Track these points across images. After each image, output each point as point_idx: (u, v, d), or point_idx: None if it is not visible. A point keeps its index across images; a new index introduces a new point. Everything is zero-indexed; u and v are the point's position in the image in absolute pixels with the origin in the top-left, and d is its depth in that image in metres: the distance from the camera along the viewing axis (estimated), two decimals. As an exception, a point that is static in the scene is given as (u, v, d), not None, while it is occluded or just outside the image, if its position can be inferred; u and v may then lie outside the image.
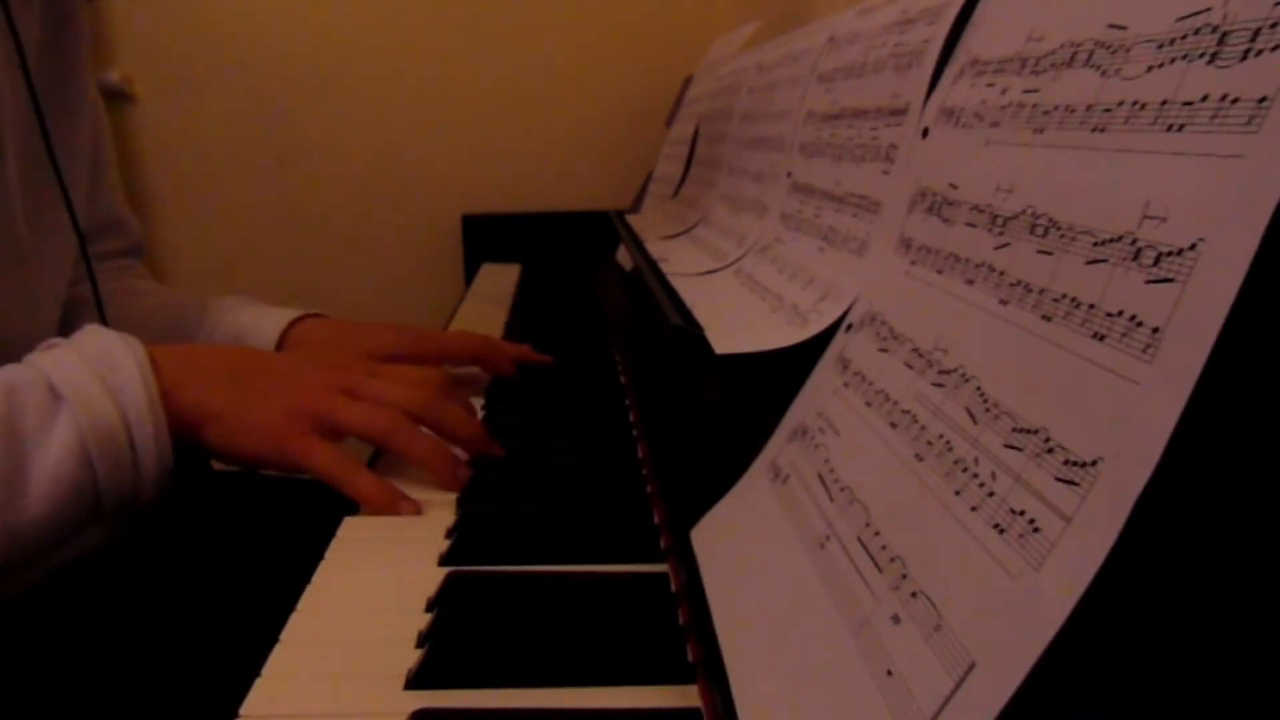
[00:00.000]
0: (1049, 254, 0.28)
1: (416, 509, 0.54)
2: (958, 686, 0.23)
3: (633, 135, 1.60)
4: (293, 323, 0.78)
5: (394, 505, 0.54)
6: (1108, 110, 0.27)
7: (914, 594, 0.26)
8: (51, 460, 0.48)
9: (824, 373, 0.42)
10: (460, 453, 0.59)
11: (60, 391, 0.49)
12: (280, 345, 0.76)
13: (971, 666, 0.23)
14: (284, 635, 0.41)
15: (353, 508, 0.55)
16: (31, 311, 0.70)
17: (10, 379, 0.50)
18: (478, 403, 0.74)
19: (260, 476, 0.76)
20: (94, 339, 0.53)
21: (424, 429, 0.57)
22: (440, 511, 0.54)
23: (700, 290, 0.65)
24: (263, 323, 0.78)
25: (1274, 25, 0.21)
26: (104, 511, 0.51)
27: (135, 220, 0.92)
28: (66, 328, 0.77)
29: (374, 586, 0.46)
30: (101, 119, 0.85)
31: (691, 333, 0.55)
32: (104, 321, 0.71)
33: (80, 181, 0.76)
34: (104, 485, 0.50)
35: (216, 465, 0.62)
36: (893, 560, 0.28)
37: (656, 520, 0.52)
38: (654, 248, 0.86)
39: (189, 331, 0.80)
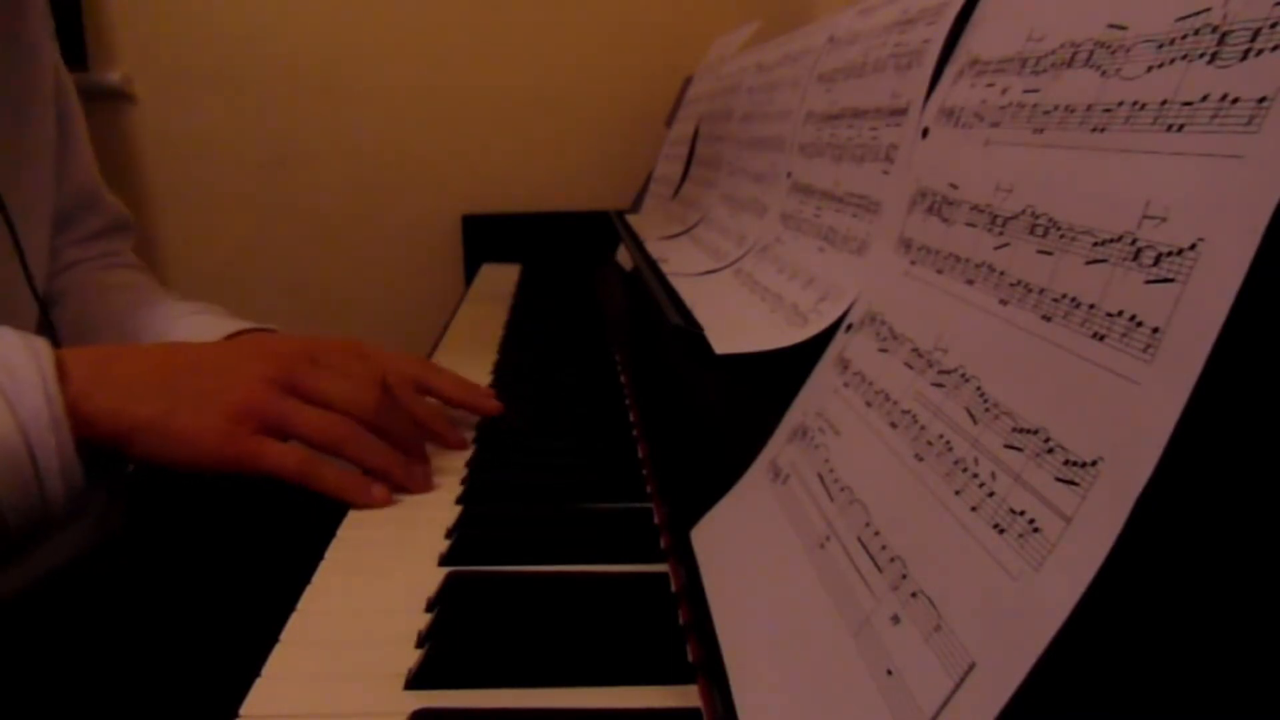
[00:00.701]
0: (1049, 254, 0.28)
1: (386, 497, 0.53)
2: (958, 686, 0.23)
3: (633, 135, 1.60)
4: (229, 338, 0.71)
5: (365, 492, 0.52)
6: (1108, 110, 0.27)
7: (914, 594, 0.26)
8: None
9: (824, 373, 0.42)
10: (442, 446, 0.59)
11: None
12: None
13: (971, 666, 0.23)
14: (284, 635, 0.41)
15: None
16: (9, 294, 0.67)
17: None
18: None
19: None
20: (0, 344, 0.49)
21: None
22: (440, 511, 0.54)
23: (700, 290, 0.65)
24: (189, 335, 0.72)
25: (1274, 25, 0.21)
26: (8, 530, 0.47)
27: (115, 196, 0.87)
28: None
29: (374, 586, 0.46)
30: (68, 90, 0.78)
31: (691, 333, 0.55)
32: (47, 325, 0.68)
33: (41, 169, 0.72)
34: (5, 504, 0.46)
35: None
36: (893, 560, 0.28)
37: (656, 520, 0.52)
38: (654, 248, 0.86)
39: (129, 339, 0.75)
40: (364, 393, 0.55)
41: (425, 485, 0.56)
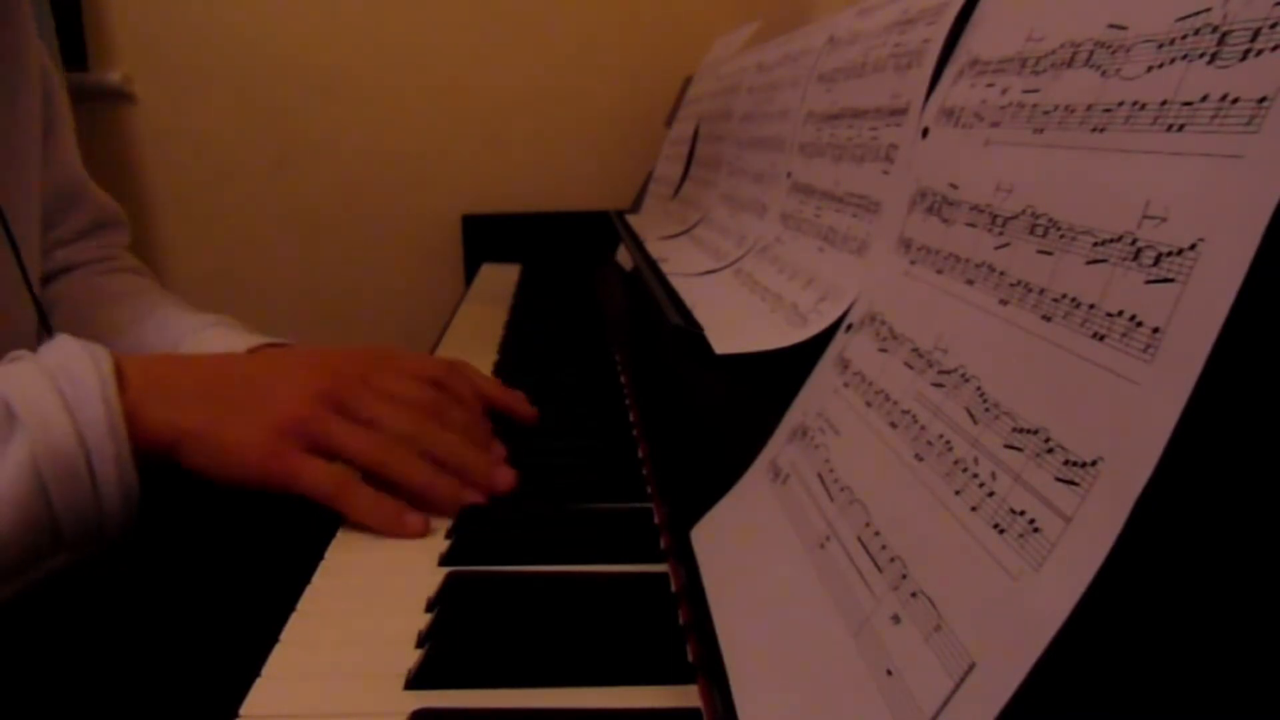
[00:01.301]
0: (1049, 254, 0.28)
1: (423, 527, 0.51)
2: (958, 686, 0.23)
3: (633, 135, 1.60)
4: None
5: (398, 523, 0.51)
6: (1108, 110, 0.27)
7: (914, 594, 0.26)
8: (2, 483, 0.45)
9: (824, 373, 0.42)
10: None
11: (15, 410, 0.46)
12: None
13: (971, 666, 0.23)
14: (284, 635, 0.41)
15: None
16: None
17: None
18: (478, 403, 0.74)
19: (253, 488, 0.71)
20: (59, 351, 0.49)
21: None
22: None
23: (700, 290, 0.65)
24: (207, 350, 0.72)
25: (1274, 25, 0.21)
26: (64, 539, 0.48)
27: (105, 193, 0.85)
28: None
29: (374, 586, 0.46)
30: (54, 84, 0.77)
31: (691, 333, 0.55)
32: (47, 331, 0.67)
33: (29, 169, 0.70)
34: (60, 510, 0.46)
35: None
36: (893, 560, 0.28)
37: (656, 520, 0.52)
38: (654, 248, 0.86)
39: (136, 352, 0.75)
40: (412, 416, 0.54)
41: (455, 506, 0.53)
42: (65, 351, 0.49)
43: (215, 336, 0.72)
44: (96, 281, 0.81)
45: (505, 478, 0.55)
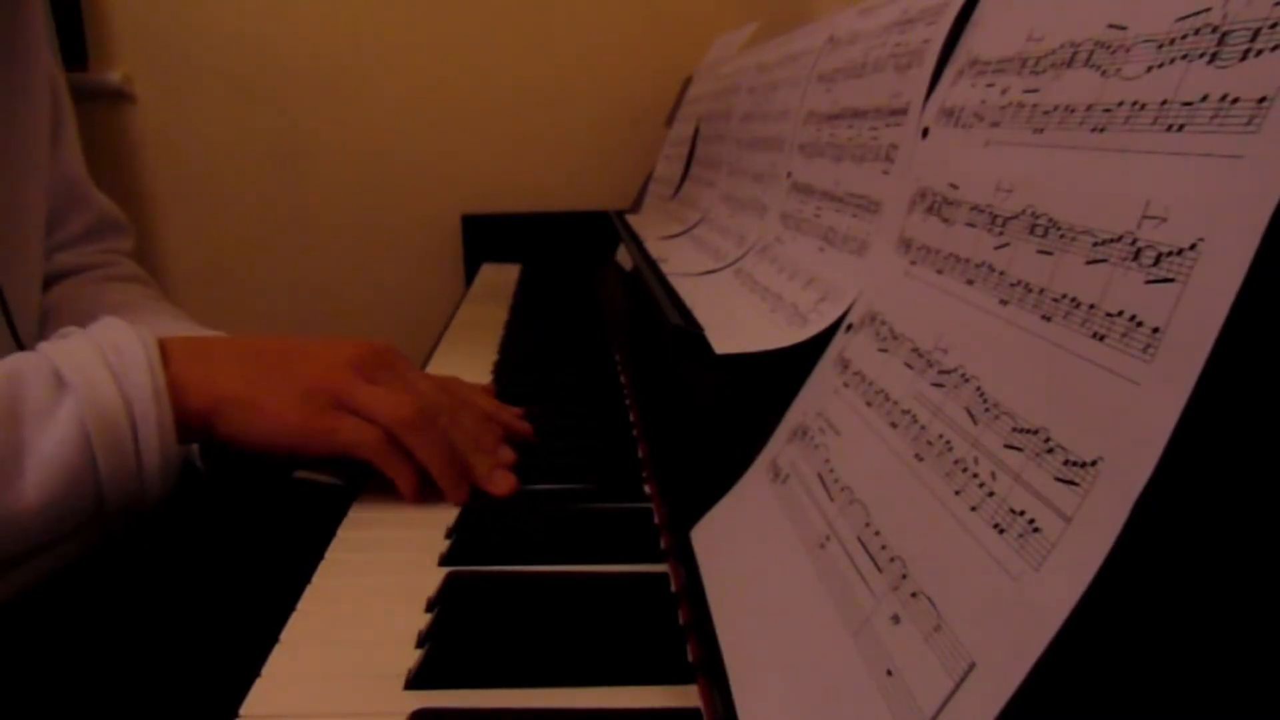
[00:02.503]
0: (1049, 254, 0.28)
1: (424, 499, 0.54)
2: (958, 686, 0.23)
3: (633, 135, 1.60)
4: None
5: (416, 494, 0.54)
6: (1108, 110, 0.27)
7: (914, 594, 0.26)
8: (50, 446, 0.46)
9: (824, 373, 0.42)
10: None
11: (65, 377, 0.48)
12: None
13: (971, 666, 0.23)
14: (284, 635, 0.41)
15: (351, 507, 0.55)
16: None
17: (16, 365, 0.48)
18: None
19: (259, 477, 0.74)
20: (106, 328, 0.52)
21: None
22: (440, 512, 0.54)
23: (700, 290, 0.65)
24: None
25: (1274, 25, 0.21)
26: (106, 506, 0.49)
27: (107, 198, 0.86)
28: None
29: (374, 586, 0.46)
30: (59, 88, 0.79)
31: (691, 333, 0.55)
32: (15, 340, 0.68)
33: (36, 177, 0.71)
34: (104, 474, 0.48)
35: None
36: (893, 560, 0.28)
37: (656, 520, 0.52)
38: (654, 248, 0.86)
39: None
40: (434, 394, 0.57)
41: (463, 501, 0.55)
42: (111, 327, 0.52)
43: None
44: (95, 289, 0.81)
45: (507, 481, 0.57)
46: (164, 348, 0.52)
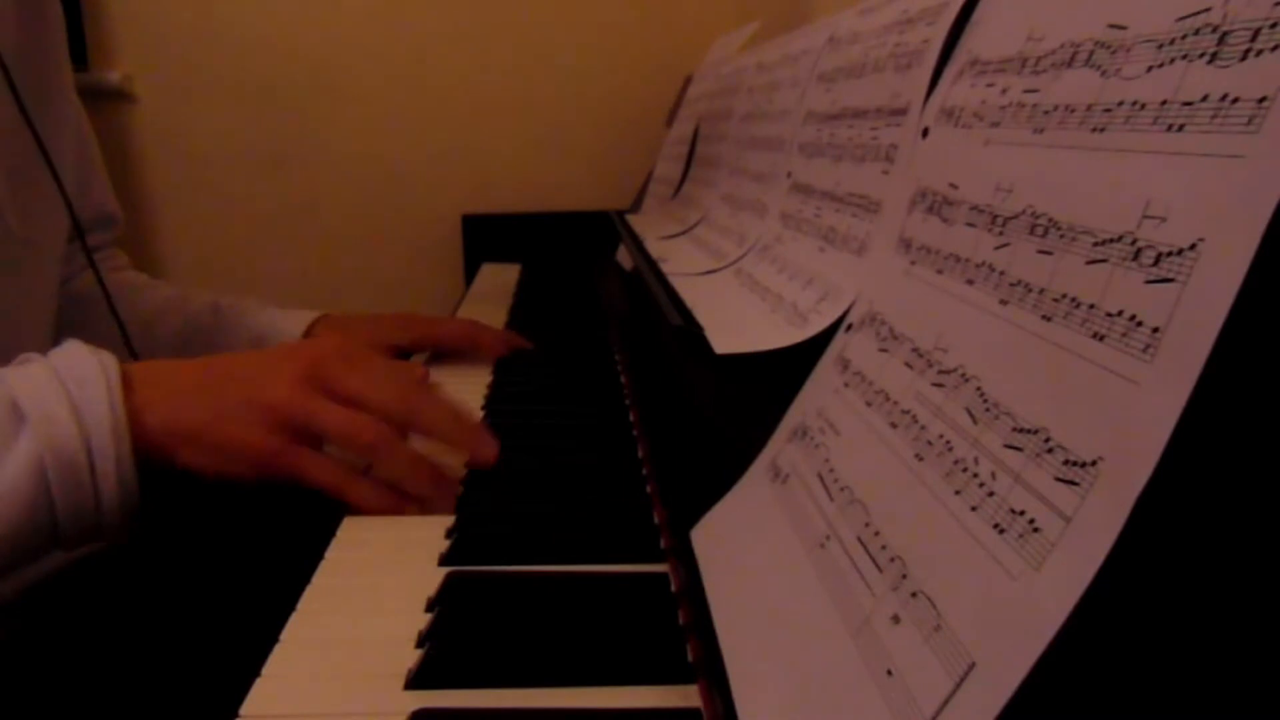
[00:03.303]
0: (1049, 254, 0.28)
1: (419, 508, 0.53)
2: (958, 686, 0.23)
3: (633, 135, 1.60)
4: (313, 323, 0.82)
5: (399, 508, 0.53)
6: (1108, 110, 0.27)
7: (914, 594, 0.26)
8: (6, 478, 0.46)
9: (824, 373, 0.42)
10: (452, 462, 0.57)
11: (23, 410, 0.47)
12: None
13: (971, 666, 0.23)
14: (284, 635, 0.41)
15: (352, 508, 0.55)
16: (27, 306, 0.71)
17: None
18: (477, 403, 0.74)
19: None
20: (68, 356, 0.51)
21: (408, 444, 0.55)
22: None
23: (700, 290, 0.65)
24: (285, 324, 0.82)
25: (1274, 25, 0.21)
26: (62, 537, 0.49)
27: (116, 202, 0.93)
28: (74, 322, 0.80)
29: (374, 586, 0.46)
30: (83, 114, 0.85)
31: (692, 333, 0.55)
32: (114, 315, 0.73)
33: (66, 166, 0.76)
34: (60, 508, 0.47)
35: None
36: (893, 560, 0.28)
37: (656, 520, 0.52)
38: (654, 248, 0.86)
39: (206, 337, 0.83)
40: (397, 389, 0.55)
41: (448, 507, 0.54)
42: (74, 355, 0.50)
43: (283, 314, 0.83)
44: (115, 278, 0.87)
45: (491, 448, 0.57)
46: (126, 376, 0.51)
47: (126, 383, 0.50)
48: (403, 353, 0.86)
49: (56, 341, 0.75)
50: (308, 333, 0.83)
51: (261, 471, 0.52)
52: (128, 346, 0.77)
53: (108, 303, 0.74)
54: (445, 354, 0.88)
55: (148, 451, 0.50)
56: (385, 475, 0.54)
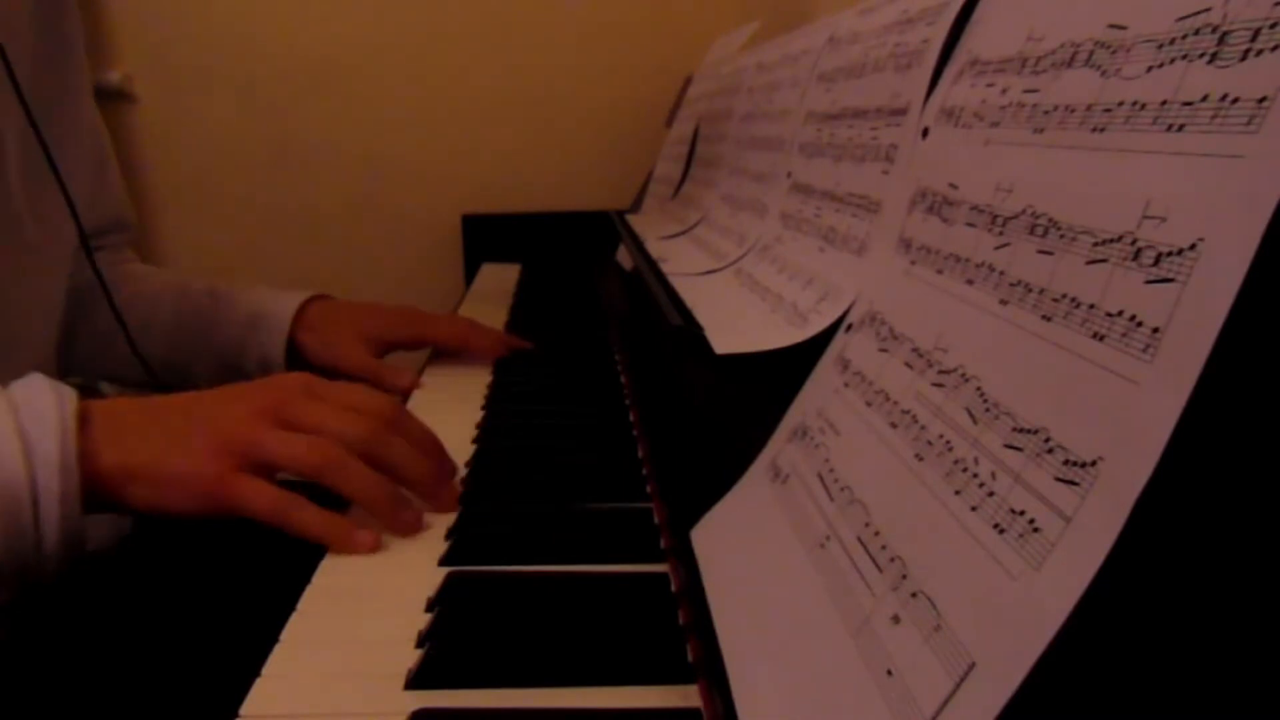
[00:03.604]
0: (1049, 254, 0.28)
1: (374, 542, 0.49)
2: (958, 686, 0.23)
3: (633, 135, 1.60)
4: (304, 304, 0.83)
5: (347, 539, 0.49)
6: (1108, 110, 0.27)
7: (914, 594, 0.26)
8: None
9: (824, 373, 0.42)
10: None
11: None
12: (295, 326, 0.81)
13: (971, 666, 0.23)
14: (284, 635, 0.41)
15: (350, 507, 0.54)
16: (36, 308, 0.72)
17: None
18: (477, 402, 0.74)
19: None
20: (28, 388, 0.49)
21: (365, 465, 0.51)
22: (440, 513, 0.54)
23: (700, 290, 0.65)
24: (277, 304, 0.83)
25: (1274, 25, 0.21)
26: (3, 578, 0.47)
27: (129, 205, 0.95)
28: (76, 314, 0.82)
29: (374, 586, 0.46)
30: (99, 121, 0.87)
31: (692, 333, 0.55)
32: (112, 309, 0.75)
33: (81, 172, 0.77)
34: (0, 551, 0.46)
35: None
36: (893, 560, 0.28)
37: (656, 520, 0.52)
38: (654, 248, 0.86)
39: (205, 318, 0.85)
40: (357, 421, 0.52)
41: (414, 528, 0.51)
42: (33, 389, 0.49)
43: (276, 294, 0.85)
44: (120, 270, 0.89)
45: (451, 496, 0.54)
46: (84, 413, 0.49)
47: (83, 420, 0.49)
48: (400, 348, 0.86)
49: (61, 340, 0.75)
50: (301, 311, 0.83)
51: (203, 503, 0.49)
52: (128, 340, 0.77)
53: (108, 301, 0.75)
54: (443, 352, 0.88)
55: (96, 491, 0.49)
56: (342, 495, 0.51)
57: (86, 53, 0.81)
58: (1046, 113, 0.31)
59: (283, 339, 0.82)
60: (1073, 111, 0.29)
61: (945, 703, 0.23)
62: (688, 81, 1.33)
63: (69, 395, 0.49)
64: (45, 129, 0.68)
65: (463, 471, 0.60)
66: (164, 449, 0.50)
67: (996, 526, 0.25)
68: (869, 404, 0.35)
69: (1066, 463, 0.23)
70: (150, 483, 0.49)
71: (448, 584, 0.45)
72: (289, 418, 0.52)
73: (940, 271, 0.35)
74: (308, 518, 0.49)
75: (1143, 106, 0.26)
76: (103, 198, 0.87)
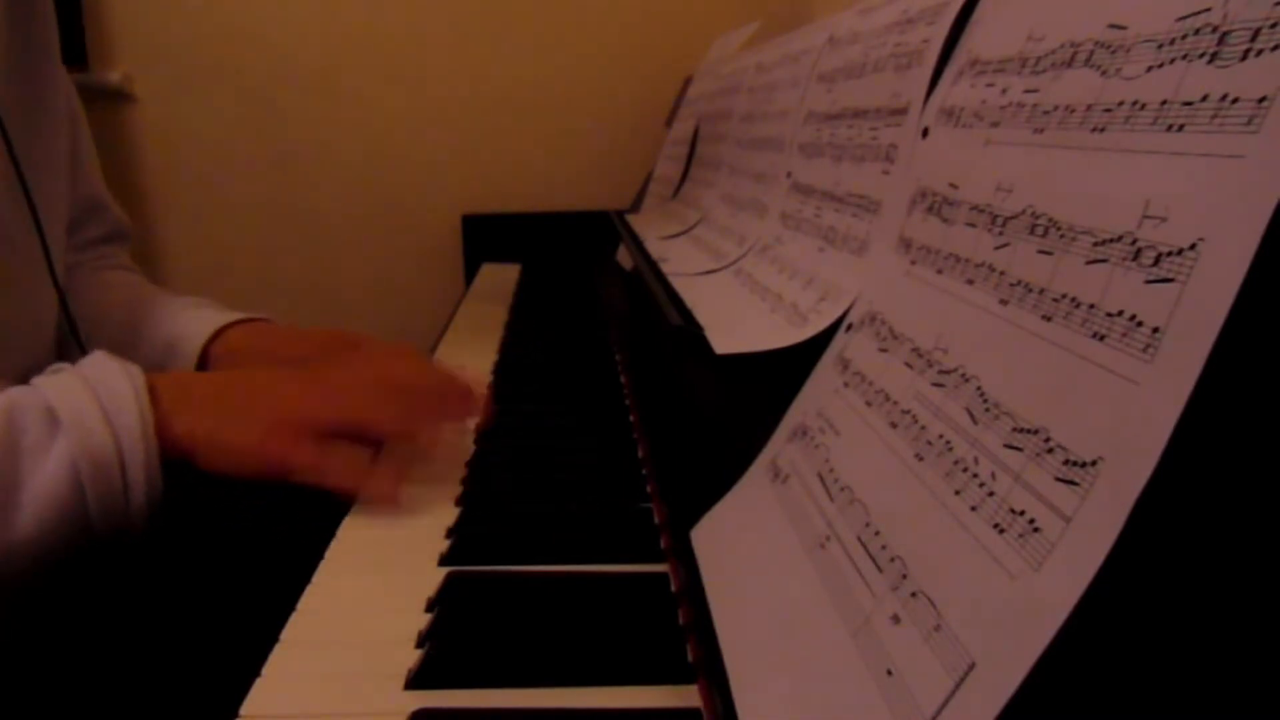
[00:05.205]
0: (1049, 254, 0.28)
1: (391, 487, 0.56)
2: (958, 686, 0.23)
3: (633, 135, 1.60)
4: (220, 330, 0.77)
5: (367, 484, 0.55)
6: (1108, 110, 0.27)
7: (914, 594, 0.26)
8: (45, 482, 0.49)
9: (824, 373, 0.42)
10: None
11: (59, 415, 0.50)
12: (205, 352, 0.76)
13: (971, 666, 0.23)
14: (284, 635, 0.41)
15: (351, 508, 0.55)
16: (29, 301, 0.71)
17: (12, 400, 0.50)
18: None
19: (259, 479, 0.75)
20: (97, 366, 0.54)
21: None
22: (440, 512, 0.54)
23: (700, 290, 0.65)
24: (190, 329, 0.78)
25: (1274, 25, 0.21)
26: (93, 534, 0.51)
27: (119, 206, 0.93)
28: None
29: (374, 586, 0.46)
30: (76, 104, 0.84)
31: (692, 333, 0.55)
32: (67, 318, 0.74)
33: (59, 174, 0.76)
34: (94, 509, 0.50)
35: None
36: (893, 560, 0.28)
37: (656, 520, 0.52)
38: (654, 248, 0.86)
39: (134, 334, 0.80)
40: (399, 402, 0.60)
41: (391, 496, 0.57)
42: (103, 366, 0.54)
43: (195, 318, 0.80)
44: (96, 276, 0.87)
45: (482, 408, 0.65)
46: (152, 386, 0.54)
47: (152, 392, 0.54)
48: None
49: (60, 344, 0.75)
50: (215, 336, 0.77)
51: (258, 464, 0.55)
52: (77, 343, 0.75)
53: (60, 302, 0.74)
54: None
55: (170, 454, 0.54)
56: (376, 434, 0.58)
57: (87, 53, 0.80)
58: (1046, 113, 0.31)
59: (190, 367, 0.78)
60: (1073, 111, 0.29)
61: (945, 703, 0.23)
62: (688, 81, 1.33)
63: (136, 370, 0.54)
64: (17, 124, 0.68)
65: (463, 471, 0.60)
66: (225, 421, 0.56)
67: (996, 526, 0.25)
68: (869, 404, 0.36)
69: (1066, 463, 0.23)
70: (213, 449, 0.55)
71: (448, 584, 0.45)
72: (336, 396, 0.59)
73: (940, 271, 0.35)
74: (334, 464, 0.56)
75: (1143, 106, 0.26)
76: (76, 183, 0.84)
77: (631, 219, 1.15)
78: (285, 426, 0.56)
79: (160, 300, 0.83)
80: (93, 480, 0.50)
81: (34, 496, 0.49)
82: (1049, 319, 0.26)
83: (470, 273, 1.59)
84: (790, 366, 0.45)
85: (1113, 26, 0.29)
